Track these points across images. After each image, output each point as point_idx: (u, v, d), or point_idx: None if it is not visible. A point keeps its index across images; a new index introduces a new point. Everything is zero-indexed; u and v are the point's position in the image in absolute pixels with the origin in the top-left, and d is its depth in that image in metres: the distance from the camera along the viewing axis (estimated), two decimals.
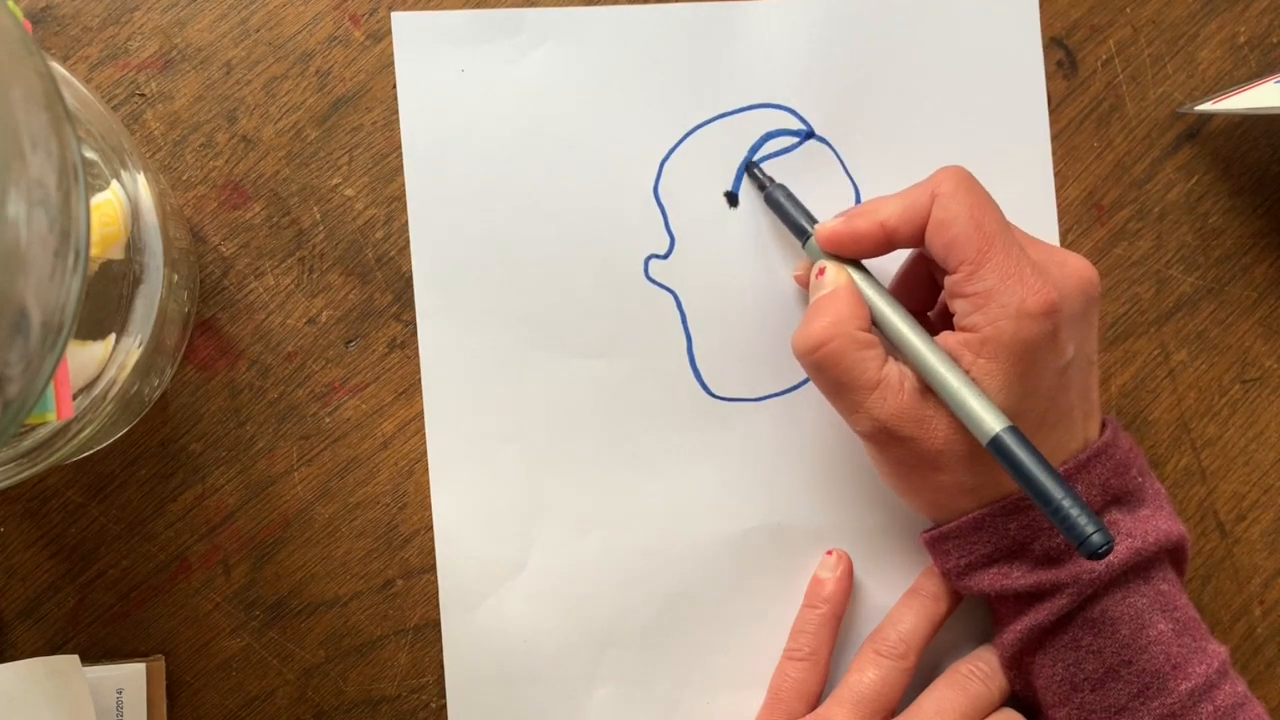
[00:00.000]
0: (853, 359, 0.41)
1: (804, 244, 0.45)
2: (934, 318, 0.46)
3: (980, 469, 0.41)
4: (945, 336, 0.41)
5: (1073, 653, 0.42)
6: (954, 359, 0.40)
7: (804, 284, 0.45)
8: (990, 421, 0.39)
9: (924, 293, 0.45)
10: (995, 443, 0.39)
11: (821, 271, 0.43)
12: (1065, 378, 0.41)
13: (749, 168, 0.47)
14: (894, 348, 0.42)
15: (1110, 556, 0.41)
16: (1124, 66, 0.50)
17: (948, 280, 0.41)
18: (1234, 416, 0.50)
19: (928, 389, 0.41)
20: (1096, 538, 0.37)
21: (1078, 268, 0.41)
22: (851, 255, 0.43)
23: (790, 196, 0.46)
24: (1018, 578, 0.42)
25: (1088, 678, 0.41)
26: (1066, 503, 0.37)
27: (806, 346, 0.41)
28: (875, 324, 0.42)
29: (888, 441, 0.41)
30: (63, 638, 0.45)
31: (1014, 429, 0.39)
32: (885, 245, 0.42)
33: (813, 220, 0.45)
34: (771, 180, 0.46)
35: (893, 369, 0.41)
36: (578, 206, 0.47)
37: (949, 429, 0.40)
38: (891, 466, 0.43)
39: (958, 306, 0.41)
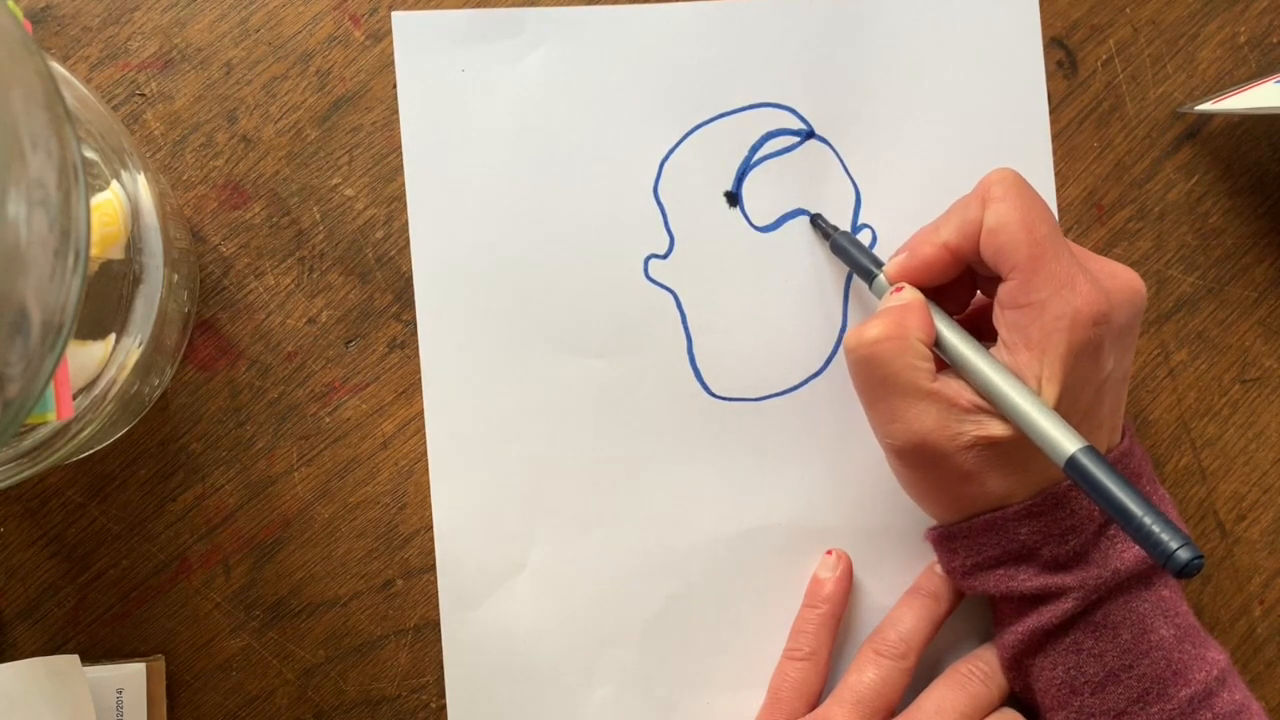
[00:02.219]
0: (905, 363, 0.40)
1: (870, 285, 0.45)
2: (961, 321, 0.45)
3: (1006, 480, 0.41)
4: (1003, 356, 0.40)
5: (1074, 656, 0.41)
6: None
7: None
8: (1066, 442, 0.38)
9: (958, 295, 0.45)
10: (1073, 463, 0.38)
11: (899, 289, 0.43)
12: (1102, 390, 0.41)
13: (813, 219, 0.47)
14: (957, 370, 0.41)
15: (1116, 563, 0.41)
16: (1124, 66, 0.50)
17: (1001, 289, 0.40)
18: (1234, 416, 0.50)
19: (971, 412, 0.40)
20: (1183, 553, 0.35)
21: (1128, 279, 0.41)
22: (923, 284, 0.43)
23: (855, 241, 0.46)
24: (1024, 580, 0.42)
25: (1088, 681, 0.41)
26: (1149, 519, 0.36)
27: (861, 339, 0.41)
28: (940, 346, 0.42)
29: (920, 458, 0.41)
30: (63, 638, 0.45)
31: (1090, 448, 0.38)
32: (953, 266, 0.42)
33: (878, 262, 0.45)
34: (836, 229, 0.47)
35: (945, 385, 0.40)
36: (578, 206, 0.47)
37: (984, 450, 0.40)
38: (916, 479, 0.43)
39: (1010, 317, 0.40)
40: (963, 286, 0.44)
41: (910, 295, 0.42)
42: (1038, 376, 0.39)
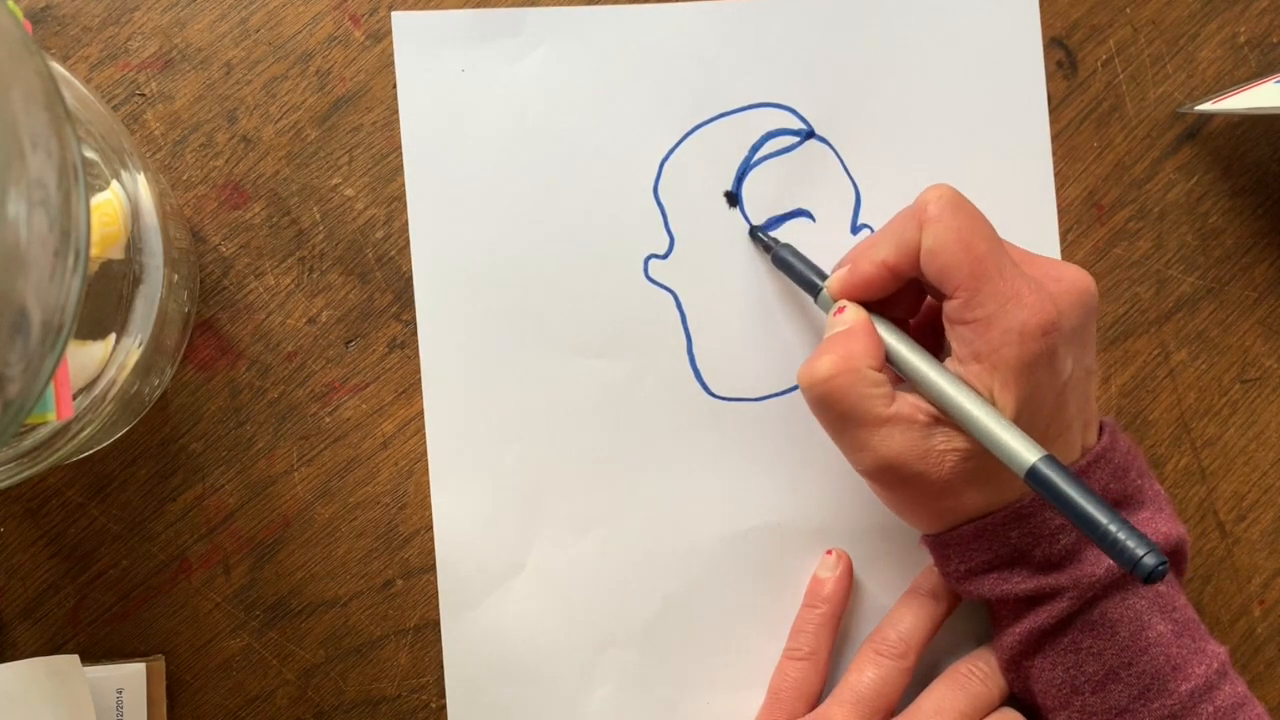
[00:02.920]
0: (860, 394, 0.40)
1: (816, 298, 0.44)
2: (915, 325, 0.45)
3: (984, 489, 0.41)
4: (953, 366, 0.40)
5: (1072, 655, 0.41)
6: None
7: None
8: (1025, 453, 0.38)
9: (908, 300, 0.45)
10: (1033, 474, 0.38)
11: (841, 310, 0.43)
12: (1065, 392, 0.40)
13: (752, 232, 0.47)
14: (912, 385, 0.41)
15: (1110, 560, 0.41)
16: (1124, 66, 0.50)
17: (945, 306, 0.40)
18: (1234, 416, 0.50)
19: (934, 425, 0.40)
20: (1149, 559, 0.35)
21: (1074, 280, 0.41)
22: (865, 299, 0.43)
23: (797, 254, 0.46)
24: (1018, 582, 0.42)
25: (1088, 680, 0.41)
26: (1114, 527, 0.36)
27: (812, 379, 0.41)
28: (891, 361, 0.42)
29: (892, 479, 0.41)
30: (63, 638, 0.45)
31: (1050, 457, 0.38)
32: (894, 283, 0.42)
33: (821, 274, 0.45)
34: (776, 241, 0.46)
35: (903, 406, 0.40)
36: (578, 206, 0.47)
37: (955, 462, 0.40)
38: (894, 498, 0.43)
39: (958, 333, 0.40)
40: (912, 292, 0.44)
41: (853, 317, 0.42)
42: (990, 388, 0.39)
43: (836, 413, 0.41)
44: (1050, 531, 0.41)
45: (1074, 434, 0.41)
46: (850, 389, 0.40)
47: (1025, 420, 0.39)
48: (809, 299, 0.46)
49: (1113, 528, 0.36)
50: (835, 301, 0.43)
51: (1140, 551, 0.36)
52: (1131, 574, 0.36)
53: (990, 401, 0.39)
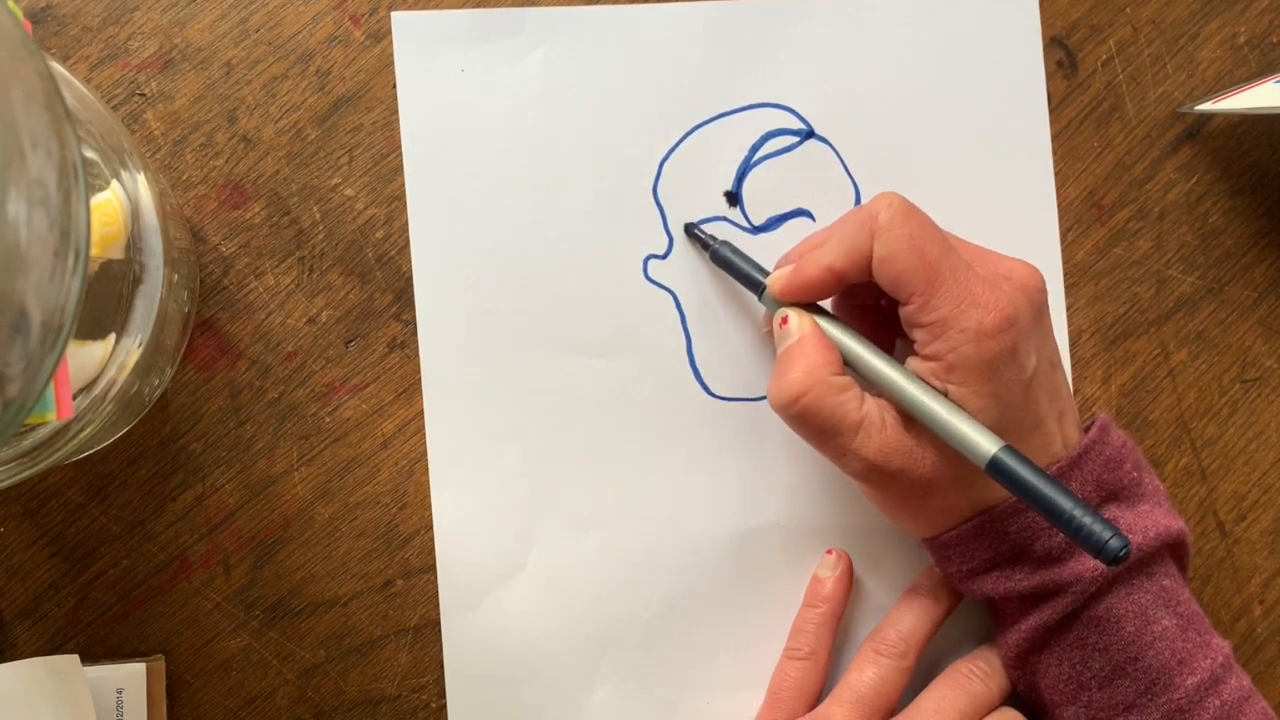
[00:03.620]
0: (833, 404, 0.40)
1: (760, 296, 0.44)
2: (872, 328, 0.45)
3: (971, 486, 0.41)
4: (915, 365, 0.41)
5: (1078, 651, 0.42)
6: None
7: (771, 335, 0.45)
8: (984, 444, 0.39)
9: (865, 297, 0.45)
10: (994, 464, 0.38)
11: (785, 321, 0.43)
12: (1032, 385, 0.41)
13: (688, 229, 0.47)
14: (870, 385, 0.42)
15: None
16: (1124, 66, 0.50)
17: (901, 311, 0.41)
18: (1234, 416, 0.50)
19: (910, 421, 0.41)
20: (1114, 543, 0.36)
21: (1023, 276, 0.41)
22: (808, 300, 0.43)
23: (737, 251, 0.46)
24: (1020, 579, 0.42)
25: (1094, 676, 0.41)
26: (1078, 512, 0.37)
27: (784, 400, 0.41)
28: (847, 364, 0.42)
29: (879, 478, 0.41)
30: (63, 638, 0.45)
31: (1009, 448, 0.38)
32: (837, 286, 0.42)
33: (764, 272, 0.44)
34: (714, 239, 0.46)
35: (871, 406, 0.41)
36: (577, 206, 0.47)
37: (935, 455, 0.40)
38: (885, 499, 0.43)
39: (916, 335, 0.41)
40: (869, 286, 0.43)
41: (799, 326, 0.42)
42: (948, 386, 0.40)
43: (814, 427, 0.41)
44: (1048, 524, 0.41)
45: (1050, 427, 0.42)
46: (822, 401, 0.40)
47: (994, 418, 0.40)
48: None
49: (1077, 513, 0.37)
50: (778, 302, 0.43)
51: (1105, 535, 0.36)
52: (1097, 557, 0.37)
53: (946, 398, 0.40)
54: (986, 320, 0.39)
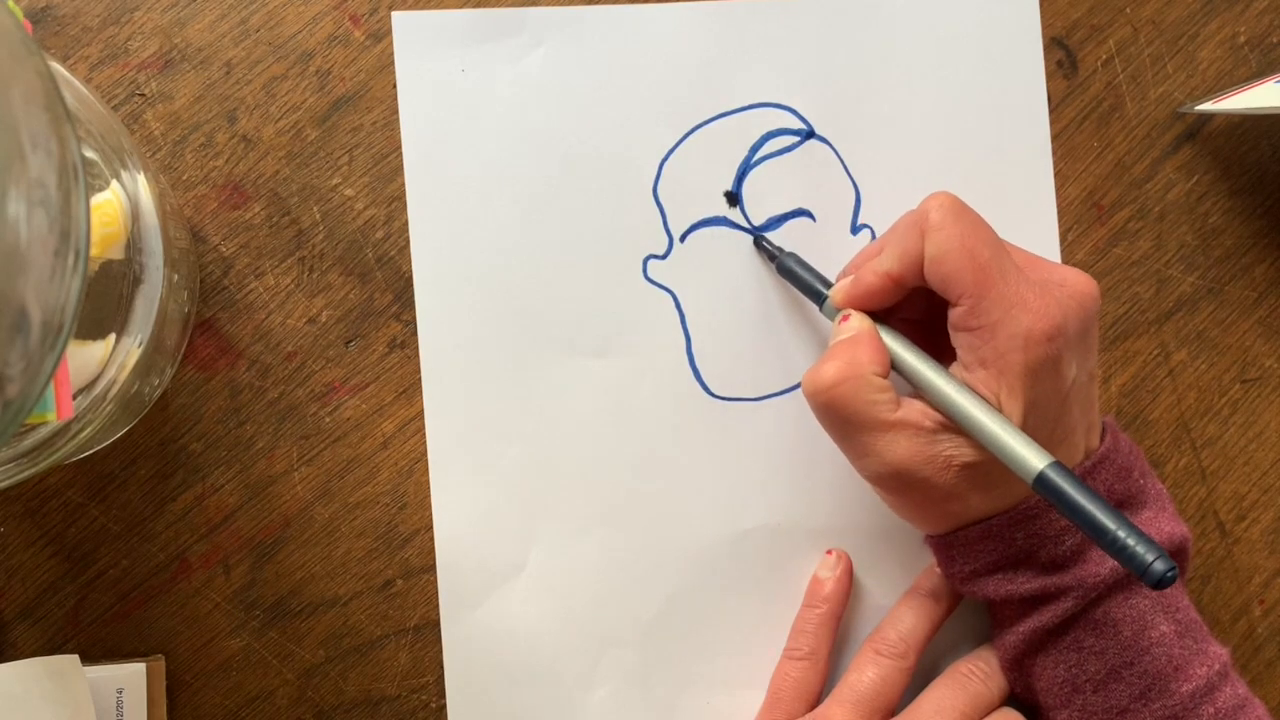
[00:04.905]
0: (865, 400, 0.40)
1: (821, 306, 0.45)
2: (921, 327, 0.45)
3: (989, 492, 0.41)
4: (960, 374, 0.40)
5: (1075, 654, 0.42)
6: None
7: None
8: (1033, 460, 0.38)
9: (914, 303, 0.45)
10: (1041, 480, 0.38)
11: (846, 318, 0.43)
12: (1069, 397, 0.40)
13: (756, 241, 0.47)
14: (918, 391, 0.41)
15: (1114, 561, 0.41)
16: (1124, 66, 0.50)
17: (951, 313, 0.40)
18: (1234, 416, 0.50)
19: (942, 431, 0.40)
20: (1159, 565, 0.35)
21: (1077, 284, 0.41)
22: (869, 309, 0.43)
23: (801, 262, 0.46)
24: (1023, 583, 0.42)
25: (1089, 679, 0.41)
26: (1123, 533, 0.36)
27: (816, 387, 0.41)
28: (897, 368, 0.42)
29: (898, 484, 0.41)
30: (63, 638, 0.45)
31: (1057, 464, 0.38)
32: (898, 292, 0.42)
33: (827, 284, 0.45)
34: (781, 250, 0.46)
35: (910, 411, 0.40)
36: (577, 206, 0.47)
37: (962, 467, 0.40)
38: (900, 502, 0.43)
39: (963, 340, 0.40)
40: (919, 295, 0.43)
41: (858, 324, 0.42)
42: (996, 394, 0.39)
43: (842, 419, 0.41)
44: (1056, 533, 0.41)
45: (1078, 438, 0.41)
46: (855, 395, 0.40)
47: (1030, 426, 0.39)
48: (808, 299, 0.46)
49: (1121, 533, 0.36)
50: (839, 310, 0.43)
51: (1150, 558, 0.36)
52: (1141, 578, 0.36)
53: (997, 407, 0.39)
54: (1036, 327, 0.39)
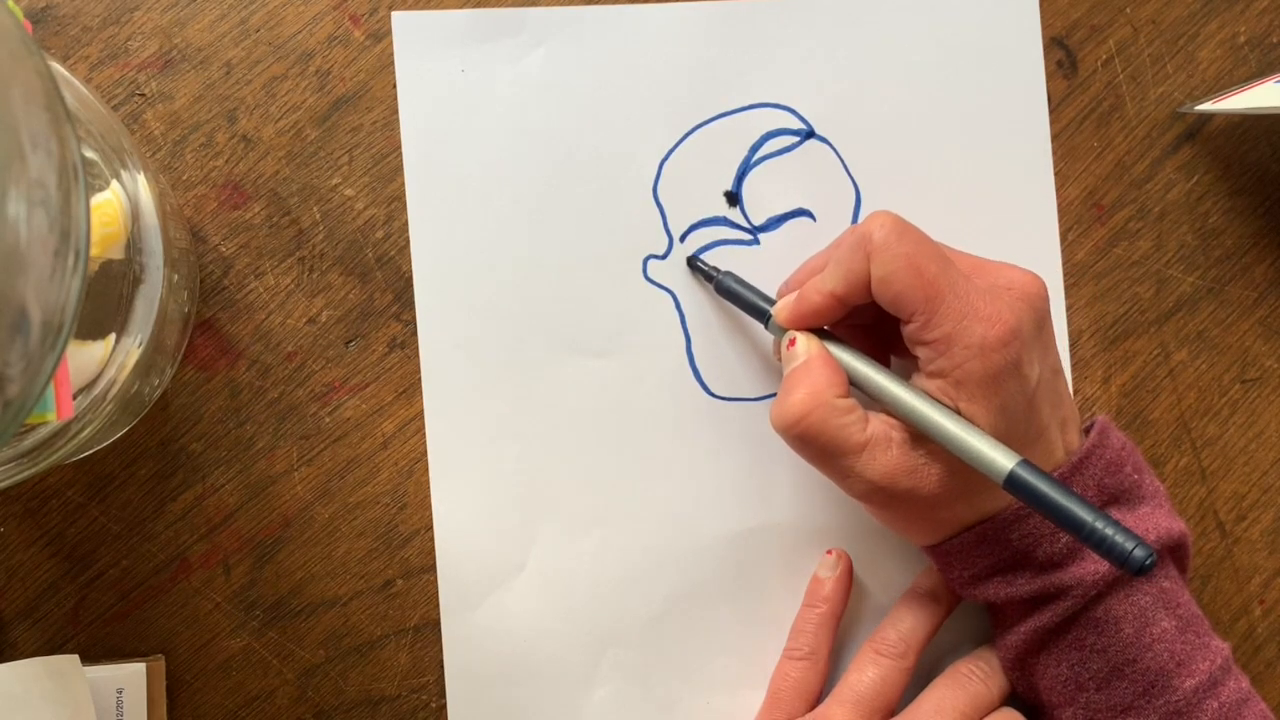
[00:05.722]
0: (835, 426, 0.40)
1: (766, 324, 0.44)
2: (873, 331, 0.45)
3: (975, 496, 0.41)
4: (921, 383, 0.41)
5: (1077, 652, 0.42)
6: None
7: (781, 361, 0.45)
8: (1001, 460, 0.38)
9: (864, 311, 0.44)
10: (1011, 480, 0.38)
11: (792, 343, 0.43)
12: (1036, 395, 0.40)
13: (690, 262, 0.47)
14: (879, 405, 0.41)
15: None
16: (1124, 66, 0.50)
17: (904, 329, 0.40)
18: (1234, 416, 0.50)
19: (915, 440, 0.40)
20: (1138, 553, 0.36)
21: (1025, 285, 0.41)
22: (813, 326, 0.43)
23: (740, 281, 0.46)
24: (1022, 584, 0.42)
25: (1092, 677, 0.41)
26: (1099, 524, 0.36)
27: (786, 422, 0.41)
28: (855, 385, 0.42)
29: (883, 498, 0.41)
30: (63, 638, 0.45)
31: (1026, 462, 0.38)
32: (841, 311, 0.42)
33: (769, 300, 0.45)
34: (717, 270, 0.46)
35: (878, 426, 0.40)
36: (577, 206, 0.47)
37: (942, 473, 0.40)
38: (890, 516, 0.43)
39: (920, 353, 0.40)
40: (870, 305, 0.43)
41: (806, 348, 0.42)
42: (957, 401, 0.40)
43: (817, 448, 0.41)
44: (1051, 530, 0.41)
45: (1052, 435, 0.41)
46: (824, 423, 0.40)
47: (1000, 430, 0.39)
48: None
49: (1098, 525, 0.36)
50: (784, 330, 0.43)
51: (1129, 545, 0.36)
52: (1122, 569, 0.36)
53: (960, 415, 0.39)
54: (990, 334, 0.39)
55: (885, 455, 0.40)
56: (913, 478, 0.40)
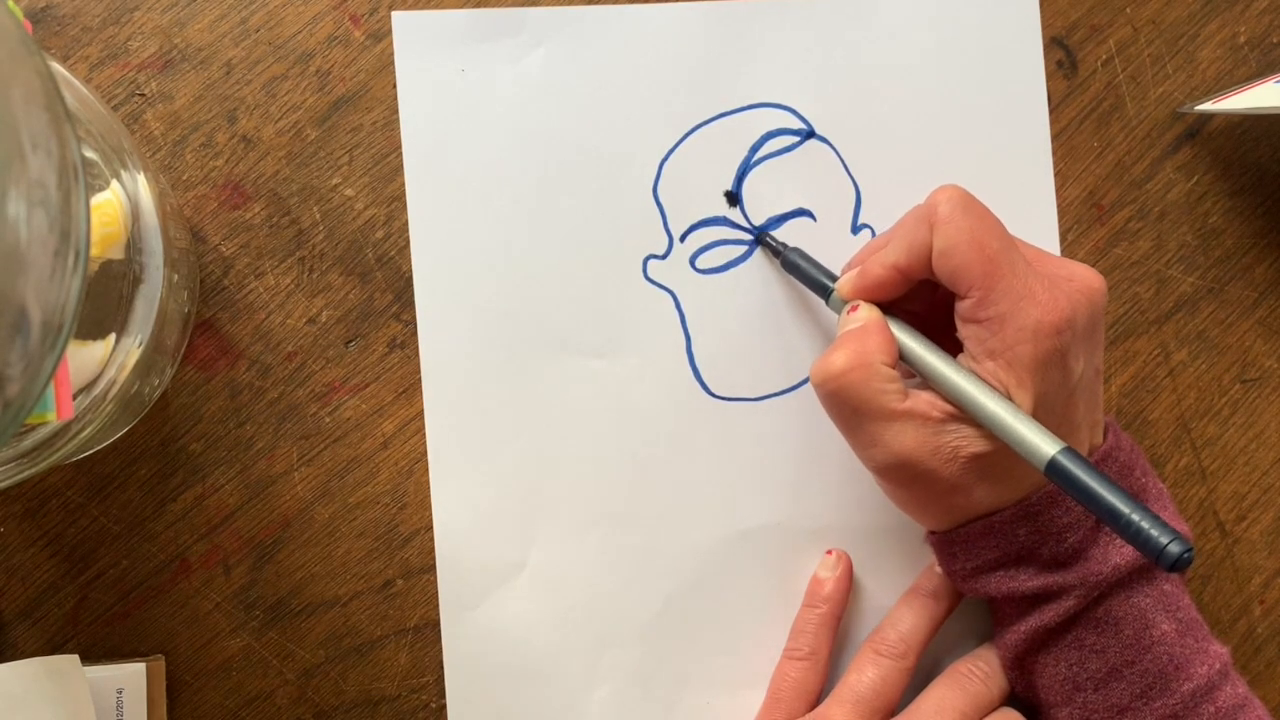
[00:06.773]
0: (874, 389, 0.40)
1: (827, 300, 0.45)
2: (927, 319, 0.45)
3: (994, 486, 0.41)
4: (969, 364, 0.40)
5: (1076, 652, 0.42)
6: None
7: None
8: (1045, 446, 0.38)
9: (920, 295, 0.45)
10: (1053, 466, 0.38)
11: (854, 308, 0.43)
12: (1075, 391, 0.40)
13: (758, 238, 0.47)
14: (927, 381, 0.41)
15: (1116, 558, 0.41)
16: (1124, 66, 0.50)
17: (958, 305, 0.40)
18: (1234, 416, 0.50)
19: (950, 423, 0.40)
20: (1173, 548, 0.35)
21: (1086, 279, 0.41)
22: (876, 300, 0.43)
23: (806, 257, 0.46)
24: (1025, 580, 0.42)
25: (1090, 677, 0.41)
26: (1136, 516, 0.36)
27: (825, 375, 0.41)
28: (906, 359, 0.42)
29: (903, 475, 0.41)
30: (63, 638, 0.45)
31: (1070, 449, 0.38)
32: (905, 284, 0.42)
33: (832, 277, 0.45)
34: (785, 245, 0.46)
35: (919, 400, 0.40)
36: (577, 206, 0.47)
37: (967, 459, 0.40)
38: (904, 494, 0.43)
39: (971, 331, 0.40)
40: (924, 287, 0.43)
41: (866, 314, 0.42)
42: (1005, 385, 0.39)
43: (850, 408, 0.41)
44: (1058, 529, 0.41)
45: (1082, 434, 0.41)
46: (863, 384, 0.40)
47: (1037, 418, 0.39)
48: (809, 299, 0.46)
49: (1135, 517, 0.36)
50: (845, 304, 0.43)
51: (1165, 540, 0.35)
52: (1156, 563, 0.36)
53: (1006, 397, 0.39)
54: (1045, 319, 0.39)
55: (918, 431, 0.40)
56: (938, 458, 0.40)
